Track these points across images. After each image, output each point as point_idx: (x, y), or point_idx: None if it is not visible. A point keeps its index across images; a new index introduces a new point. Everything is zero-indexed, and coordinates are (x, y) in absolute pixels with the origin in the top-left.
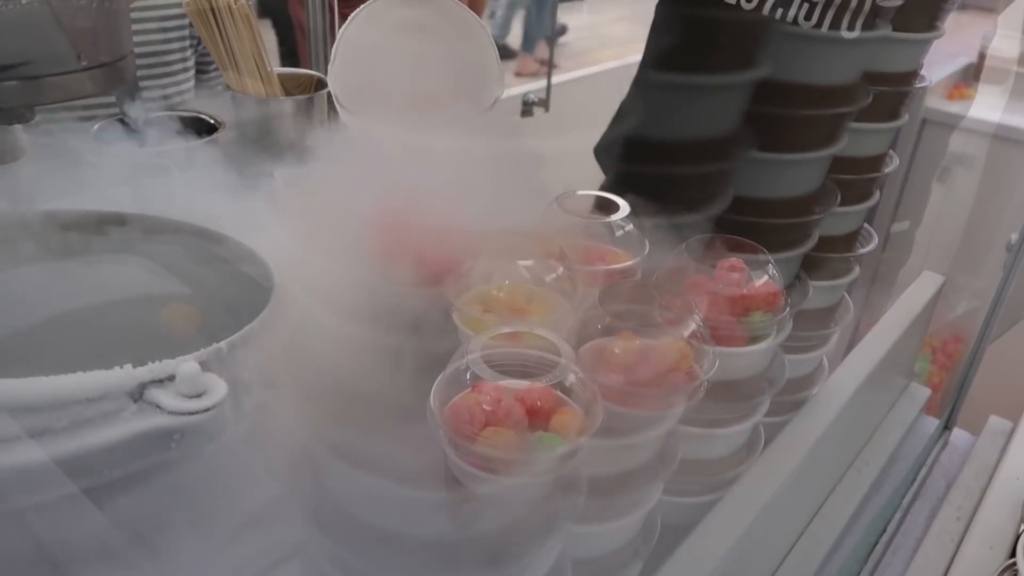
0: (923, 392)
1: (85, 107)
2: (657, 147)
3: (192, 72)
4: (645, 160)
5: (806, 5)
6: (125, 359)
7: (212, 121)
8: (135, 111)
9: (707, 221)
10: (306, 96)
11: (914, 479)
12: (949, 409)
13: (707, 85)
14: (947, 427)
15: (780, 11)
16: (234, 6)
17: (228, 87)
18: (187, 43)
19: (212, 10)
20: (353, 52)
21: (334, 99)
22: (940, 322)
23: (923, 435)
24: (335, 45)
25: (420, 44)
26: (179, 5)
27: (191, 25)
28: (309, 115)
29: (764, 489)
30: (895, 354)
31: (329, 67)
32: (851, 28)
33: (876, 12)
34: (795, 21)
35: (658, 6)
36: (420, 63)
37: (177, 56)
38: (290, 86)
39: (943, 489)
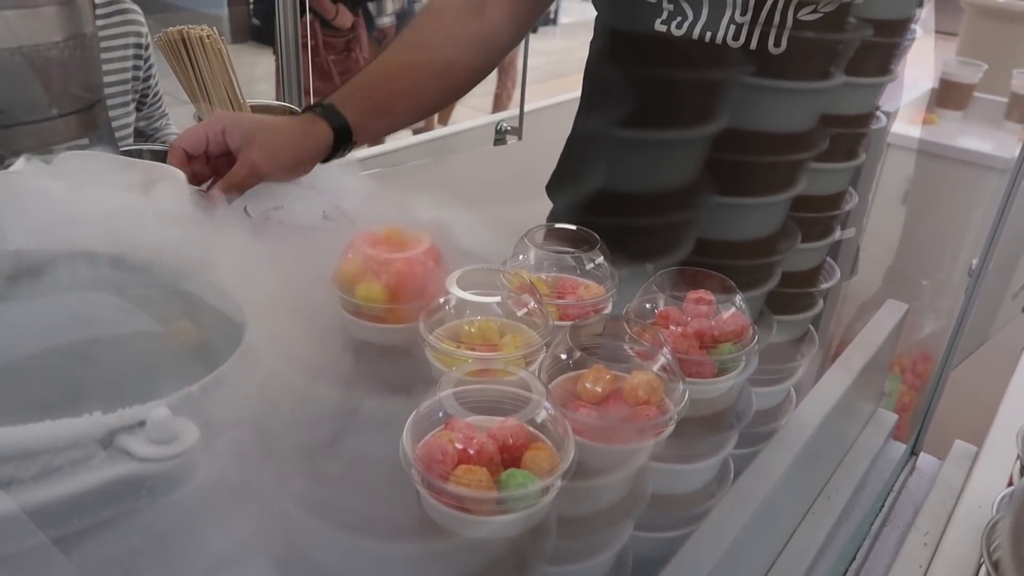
0: (890, 418)
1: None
2: (611, 199)
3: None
4: (603, 212)
5: (733, 27)
6: (95, 401)
7: None
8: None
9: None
10: None
11: (882, 505)
12: (915, 434)
13: (671, 140)
14: (914, 452)
15: (709, 34)
16: (207, 40)
17: (200, 120)
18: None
19: (183, 42)
20: None
21: None
22: (908, 343)
23: (890, 461)
24: None
25: None
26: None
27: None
28: None
29: (735, 521)
30: (860, 383)
31: None
32: (777, 45)
33: (799, 27)
34: (724, 42)
35: (593, 62)
36: None
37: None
38: None
39: (911, 515)
